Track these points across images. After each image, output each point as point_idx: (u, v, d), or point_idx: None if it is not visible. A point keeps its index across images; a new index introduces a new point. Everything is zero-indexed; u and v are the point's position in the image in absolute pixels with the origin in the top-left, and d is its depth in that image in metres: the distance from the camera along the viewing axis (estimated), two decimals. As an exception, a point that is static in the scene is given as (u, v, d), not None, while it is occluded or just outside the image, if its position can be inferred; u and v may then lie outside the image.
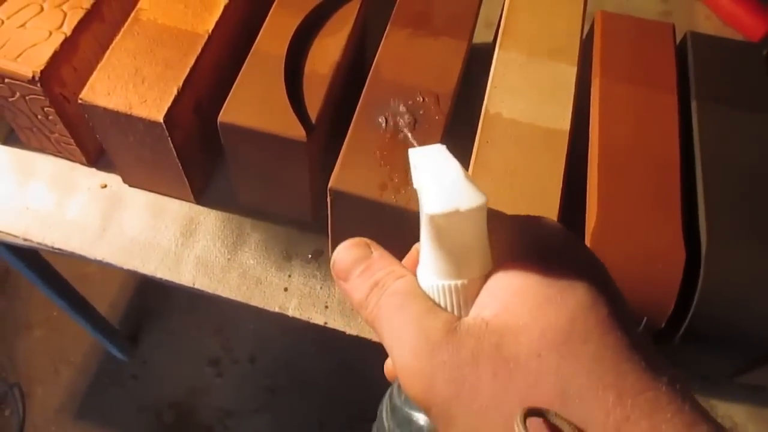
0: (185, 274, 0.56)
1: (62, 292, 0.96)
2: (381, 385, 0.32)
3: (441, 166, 0.26)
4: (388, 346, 0.26)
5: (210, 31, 0.53)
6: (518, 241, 0.26)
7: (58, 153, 0.60)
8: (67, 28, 0.52)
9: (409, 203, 0.46)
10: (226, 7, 0.54)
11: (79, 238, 0.57)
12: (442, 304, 0.26)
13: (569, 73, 0.53)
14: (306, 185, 0.53)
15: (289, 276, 0.56)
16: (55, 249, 0.57)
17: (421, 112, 0.50)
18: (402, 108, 0.50)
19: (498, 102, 0.51)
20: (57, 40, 0.52)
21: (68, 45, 0.52)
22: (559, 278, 0.24)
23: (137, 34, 0.52)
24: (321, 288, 0.56)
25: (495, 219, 0.26)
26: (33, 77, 0.50)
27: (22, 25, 0.52)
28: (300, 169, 0.51)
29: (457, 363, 0.23)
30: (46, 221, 0.58)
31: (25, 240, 0.58)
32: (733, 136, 0.51)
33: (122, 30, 0.53)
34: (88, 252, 0.57)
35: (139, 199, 0.60)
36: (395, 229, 0.49)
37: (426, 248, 0.26)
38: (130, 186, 0.60)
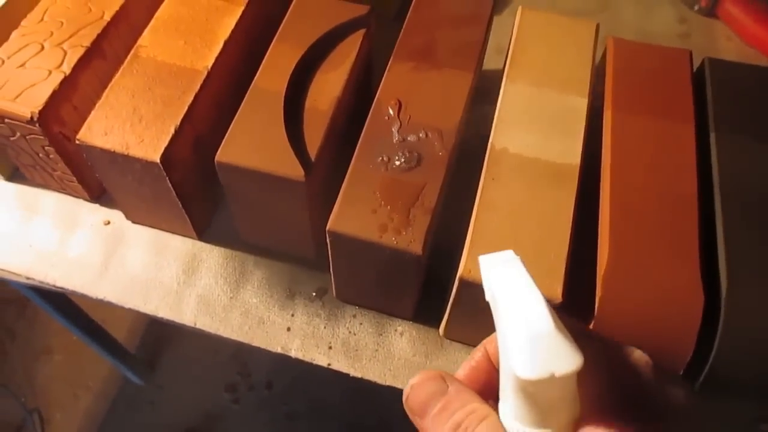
0: (187, 314, 0.55)
1: (78, 321, 0.96)
2: (399, 408, 0.30)
3: (525, 302, 0.24)
4: None
5: (209, 67, 0.52)
6: (608, 388, 0.25)
7: (61, 189, 0.60)
8: (67, 67, 0.52)
9: (409, 245, 0.44)
10: (226, 43, 0.53)
11: (81, 277, 0.57)
12: None
13: (580, 104, 0.51)
14: (307, 223, 0.52)
15: (292, 315, 0.55)
16: (57, 287, 0.57)
17: (424, 149, 0.48)
18: (404, 145, 0.48)
19: (504, 136, 0.49)
20: (56, 79, 0.51)
21: (67, 84, 0.52)
22: None
23: (136, 72, 0.52)
24: (324, 328, 0.54)
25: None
26: (31, 118, 0.50)
27: (22, 65, 0.52)
28: (300, 208, 0.50)
29: None
30: (49, 259, 0.57)
31: (28, 279, 0.57)
32: (755, 170, 0.48)
33: (122, 68, 0.52)
34: (90, 291, 0.56)
35: (142, 236, 0.59)
36: (397, 270, 0.47)
37: (511, 394, 0.24)
38: (133, 222, 0.59)
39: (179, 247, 0.58)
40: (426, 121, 0.49)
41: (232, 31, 0.54)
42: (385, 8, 0.69)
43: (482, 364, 0.29)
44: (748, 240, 0.46)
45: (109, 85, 0.51)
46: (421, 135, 0.49)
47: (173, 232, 0.58)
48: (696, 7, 0.74)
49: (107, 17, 0.55)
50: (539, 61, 0.53)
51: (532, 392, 0.23)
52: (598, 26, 0.55)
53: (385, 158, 0.48)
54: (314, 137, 0.49)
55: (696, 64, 0.69)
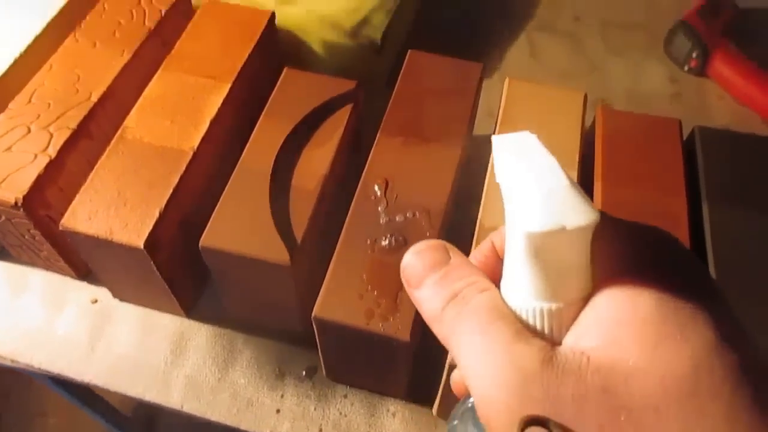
0: (174, 396, 0.54)
1: (72, 386, 0.94)
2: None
3: (537, 165, 0.22)
4: (465, 368, 0.22)
5: (195, 147, 0.52)
6: (626, 255, 0.22)
7: (48, 268, 0.59)
8: (53, 150, 0.52)
9: (397, 332, 0.43)
10: (212, 122, 0.53)
11: (67, 358, 0.56)
12: (533, 328, 0.22)
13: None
14: (294, 302, 0.51)
15: (282, 396, 0.53)
16: (43, 371, 0.56)
17: (411, 230, 0.47)
18: (390, 226, 0.47)
19: (493, 214, 0.49)
20: (42, 162, 0.51)
21: (53, 167, 0.51)
22: (678, 308, 0.20)
23: (122, 154, 0.51)
24: (315, 409, 0.53)
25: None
26: (16, 203, 0.49)
27: (8, 149, 0.52)
28: (286, 289, 0.49)
29: (554, 404, 0.19)
30: (35, 340, 0.56)
31: (13, 362, 0.56)
32: (749, 244, 0.47)
33: (108, 149, 0.52)
34: (76, 373, 0.55)
35: (130, 314, 0.58)
36: (386, 355, 0.46)
37: (515, 263, 0.22)
38: (121, 300, 0.58)
39: (167, 325, 0.57)
40: (413, 200, 0.49)
41: (219, 110, 0.54)
42: (376, 76, 0.69)
43: (489, 257, 0.27)
44: (743, 312, 0.44)
45: (95, 168, 0.51)
46: (408, 215, 0.48)
47: (161, 310, 0.57)
48: (686, 67, 0.74)
49: (94, 98, 0.55)
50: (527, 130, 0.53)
51: (541, 255, 0.21)
52: (585, 96, 0.55)
53: (371, 240, 0.47)
54: (300, 218, 0.49)
55: (688, 124, 0.69)
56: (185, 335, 0.57)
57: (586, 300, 0.22)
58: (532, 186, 0.21)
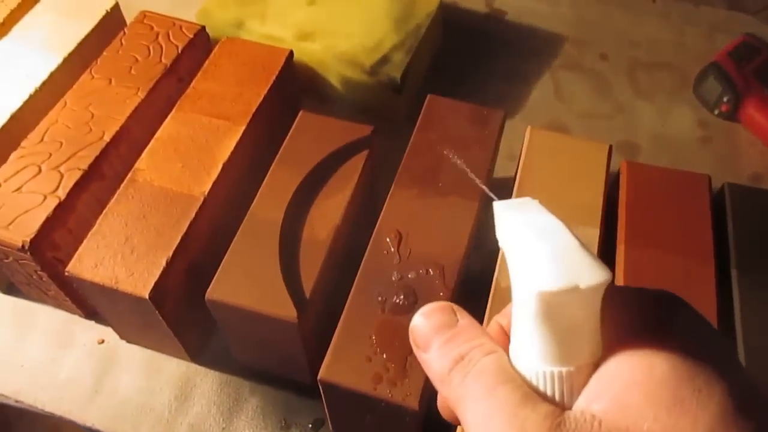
0: (177, 445, 0.52)
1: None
2: None
3: (544, 226, 0.22)
4: None
5: (206, 193, 0.51)
6: (637, 319, 0.22)
7: (57, 306, 0.58)
8: (62, 192, 0.51)
9: (406, 399, 0.41)
10: (224, 166, 0.52)
11: (71, 400, 0.55)
12: (542, 392, 0.21)
13: (591, 236, 0.48)
14: (302, 356, 0.49)
15: (286, 450, 0.52)
16: (46, 412, 0.55)
17: (424, 288, 0.46)
18: (402, 283, 0.46)
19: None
20: (51, 204, 0.50)
21: (62, 209, 0.51)
22: (694, 373, 0.19)
23: (132, 198, 0.51)
24: (320, 465, 0.51)
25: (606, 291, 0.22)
26: (23, 246, 0.48)
27: (18, 189, 0.51)
28: (294, 343, 0.48)
29: None
30: (39, 380, 0.56)
31: (17, 402, 0.55)
32: (781, 316, 0.45)
33: (117, 192, 0.51)
34: (78, 417, 0.54)
35: (136, 357, 0.57)
36: (393, 421, 0.44)
37: (523, 326, 0.22)
38: (128, 342, 0.57)
39: (173, 369, 0.56)
40: (427, 255, 0.47)
41: (232, 153, 0.53)
42: (396, 113, 0.68)
43: (497, 339, 0.26)
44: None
45: (104, 212, 0.50)
46: (421, 272, 0.46)
47: (167, 354, 0.56)
48: (716, 111, 0.71)
49: (107, 137, 0.54)
50: (547, 188, 0.51)
51: (552, 316, 0.20)
52: (611, 148, 0.53)
53: (382, 298, 0.45)
54: (310, 271, 0.47)
55: (717, 171, 0.66)
56: (191, 381, 0.55)
57: (596, 364, 0.21)
58: (540, 246, 0.21)
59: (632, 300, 0.23)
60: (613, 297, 0.22)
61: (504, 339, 0.26)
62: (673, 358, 0.20)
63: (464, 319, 0.25)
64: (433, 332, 0.24)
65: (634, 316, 0.22)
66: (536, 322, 0.21)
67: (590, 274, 0.20)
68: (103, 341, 0.58)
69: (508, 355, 0.23)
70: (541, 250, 0.21)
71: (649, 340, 0.20)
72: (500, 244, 0.23)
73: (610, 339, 0.21)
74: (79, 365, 0.56)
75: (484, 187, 0.29)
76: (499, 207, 0.24)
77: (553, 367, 0.21)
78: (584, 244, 0.21)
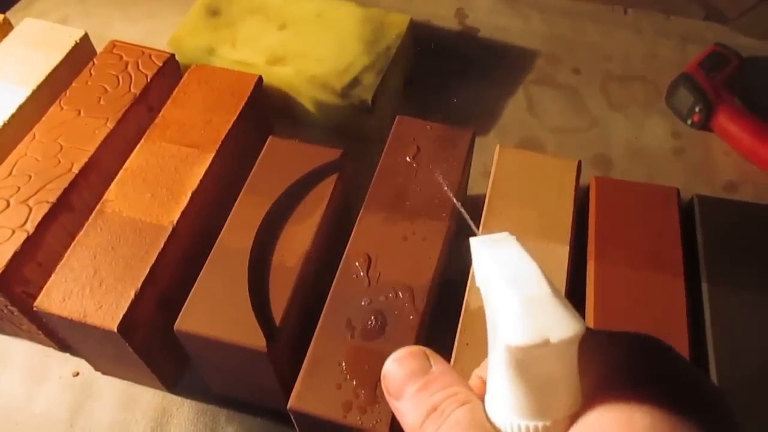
0: (153, 478, 0.52)
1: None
2: None
3: (518, 271, 0.21)
4: None
5: (175, 222, 0.50)
6: (616, 368, 0.21)
7: (31, 339, 0.58)
8: (31, 226, 0.51)
9: (375, 426, 0.41)
10: (193, 194, 0.52)
11: (46, 436, 0.54)
12: None
13: (561, 253, 0.48)
14: (275, 384, 0.49)
15: (264, 479, 0.51)
16: (20, 449, 0.54)
17: (393, 311, 0.46)
18: (371, 308, 0.45)
19: (480, 294, 0.46)
20: (19, 239, 0.50)
21: (31, 243, 0.50)
22: (676, 426, 0.18)
23: (100, 230, 0.50)
24: (298, 494, 0.51)
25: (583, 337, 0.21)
26: (-10, 282, 0.48)
27: (-14, 224, 0.51)
28: (266, 372, 0.47)
29: None
30: (14, 416, 0.55)
31: (-9, 438, 0.55)
32: (753, 329, 0.45)
33: (86, 224, 0.51)
34: (53, 453, 0.53)
35: (111, 388, 0.56)
36: (365, 448, 0.43)
37: (498, 377, 0.21)
38: (103, 373, 0.57)
39: (149, 400, 0.55)
40: (396, 278, 0.47)
41: (201, 182, 0.53)
42: (369, 134, 0.68)
43: (479, 390, 0.25)
44: (746, 409, 0.42)
45: (72, 245, 0.50)
46: (390, 295, 0.46)
47: (143, 384, 0.56)
48: (689, 121, 0.72)
49: (75, 169, 0.54)
50: (517, 207, 0.51)
51: (525, 370, 0.20)
52: (579, 164, 0.53)
53: (352, 323, 0.45)
54: (280, 299, 0.47)
55: (691, 181, 0.66)
56: (167, 411, 0.55)
57: (574, 417, 0.20)
58: (511, 295, 0.20)
59: (608, 348, 0.22)
60: (588, 345, 0.21)
61: (483, 392, 0.26)
62: (654, 411, 0.19)
63: (438, 364, 0.24)
64: (406, 379, 0.24)
65: (610, 364, 0.21)
66: (510, 374, 0.20)
67: (562, 326, 0.19)
68: (77, 374, 0.57)
69: (483, 405, 0.22)
70: (512, 300, 0.20)
71: (629, 392, 0.20)
72: (476, 284, 0.23)
73: (588, 389, 0.21)
74: (54, 399, 0.56)
75: (467, 217, 0.29)
76: (476, 244, 0.23)
77: (528, 420, 0.20)
78: (557, 292, 0.20)
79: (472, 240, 0.24)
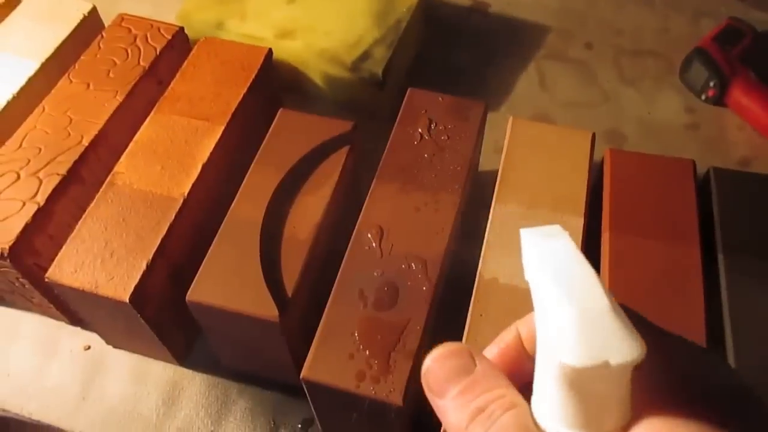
0: (165, 450, 0.52)
1: None
2: None
3: (574, 277, 0.20)
4: None
5: (186, 194, 0.50)
6: (667, 382, 0.21)
7: (42, 313, 0.58)
8: (41, 198, 0.50)
9: (389, 395, 0.41)
10: (204, 166, 0.52)
11: (58, 408, 0.54)
12: None
13: (575, 225, 0.48)
14: (287, 355, 0.49)
15: (276, 451, 0.51)
16: (33, 420, 0.54)
17: (406, 282, 0.45)
18: (384, 279, 0.45)
19: (494, 265, 0.46)
20: (30, 210, 0.50)
21: (41, 215, 0.50)
22: None
23: (111, 202, 0.50)
24: (310, 465, 0.51)
25: None
26: (2, 254, 0.48)
27: (-4, 197, 0.51)
28: (277, 343, 0.47)
29: None
30: (26, 389, 0.55)
31: (4, 411, 0.55)
32: (766, 298, 0.44)
33: (96, 197, 0.50)
34: (66, 425, 0.53)
35: (122, 362, 0.56)
36: (379, 419, 0.43)
37: (547, 386, 0.20)
38: (114, 347, 0.57)
39: (160, 374, 0.55)
40: (409, 250, 0.47)
41: (211, 153, 0.52)
42: (379, 109, 0.67)
43: (513, 350, 0.25)
44: (764, 379, 0.41)
45: (83, 217, 0.49)
46: (403, 266, 0.46)
47: (154, 358, 0.56)
48: (703, 97, 0.71)
49: (85, 142, 0.54)
50: (531, 179, 0.50)
51: (578, 386, 0.19)
52: (593, 136, 0.53)
53: (364, 294, 0.45)
54: (292, 270, 0.47)
55: (705, 157, 0.65)
56: (178, 384, 0.55)
57: (625, 429, 0.20)
58: (570, 307, 0.19)
59: (663, 359, 0.21)
60: (657, 357, 0.20)
61: (520, 350, 0.25)
62: (702, 426, 0.19)
63: (482, 363, 0.23)
64: (449, 378, 0.23)
65: (664, 378, 0.21)
66: (559, 387, 0.20)
67: (622, 348, 0.18)
68: (89, 347, 0.57)
69: (529, 406, 0.22)
70: (570, 314, 0.19)
71: (678, 407, 0.19)
72: (526, 277, 0.22)
73: (638, 402, 0.20)
74: (66, 372, 0.56)
75: None
76: (526, 236, 0.23)
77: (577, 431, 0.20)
78: (616, 306, 0.19)
79: (523, 232, 0.23)
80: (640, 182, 0.50)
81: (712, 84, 0.69)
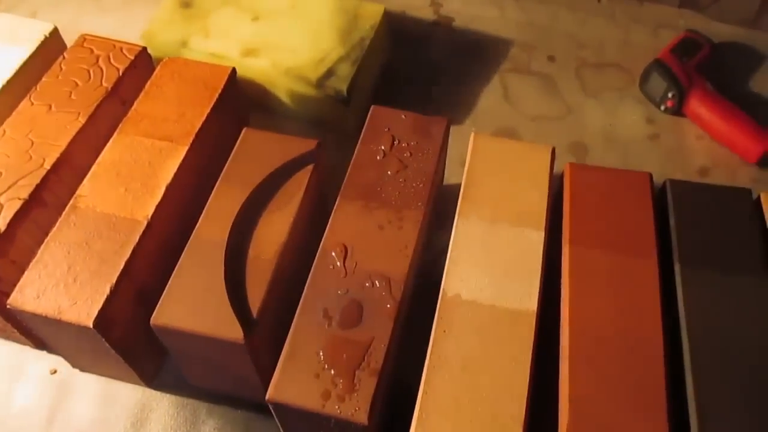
0: (133, 473, 0.52)
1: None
2: None
3: None
4: None
5: (149, 216, 0.50)
6: None
7: (6, 338, 0.57)
8: (2, 223, 0.50)
9: (354, 414, 0.41)
10: (168, 187, 0.52)
11: (24, 435, 0.54)
12: None
13: (536, 239, 0.49)
14: (254, 376, 0.49)
15: (246, 471, 0.51)
16: (-2, 448, 0.54)
17: (371, 300, 0.46)
18: (348, 297, 0.46)
19: (457, 281, 0.47)
20: (-9, 236, 0.49)
21: (3, 240, 0.50)
22: None
23: (74, 225, 0.50)
24: (280, 484, 0.51)
25: None
26: (-38, 280, 0.48)
27: (-43, 222, 0.50)
28: (245, 363, 0.47)
29: None
30: (-9, 415, 0.54)
31: (-33, 439, 0.54)
32: (725, 309, 0.45)
33: (59, 220, 0.50)
34: (32, 451, 0.53)
35: (89, 385, 0.56)
36: (345, 437, 0.44)
37: None
38: (81, 370, 0.56)
39: (128, 396, 0.55)
40: (373, 267, 0.47)
41: (175, 174, 0.52)
42: (345, 125, 0.68)
43: None
44: (722, 392, 0.42)
45: (45, 241, 0.49)
46: (367, 284, 0.46)
47: (122, 380, 0.55)
48: (663, 107, 0.72)
49: (47, 165, 0.53)
50: (493, 193, 0.51)
51: None
52: (553, 150, 0.54)
53: (329, 313, 0.45)
54: (257, 290, 0.47)
55: (666, 166, 0.67)
56: (147, 406, 0.55)
57: None
58: None
59: None
60: None
61: None
62: None
63: None
64: None
65: None
66: None
67: None
68: (55, 371, 0.57)
69: None
70: None
71: None
72: None
73: None
74: (32, 397, 0.55)
75: None
76: None
77: None
78: None
79: None
80: (599, 196, 0.51)
81: (670, 95, 0.71)
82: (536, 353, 0.44)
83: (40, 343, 0.57)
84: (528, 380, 0.42)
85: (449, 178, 0.65)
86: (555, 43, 0.79)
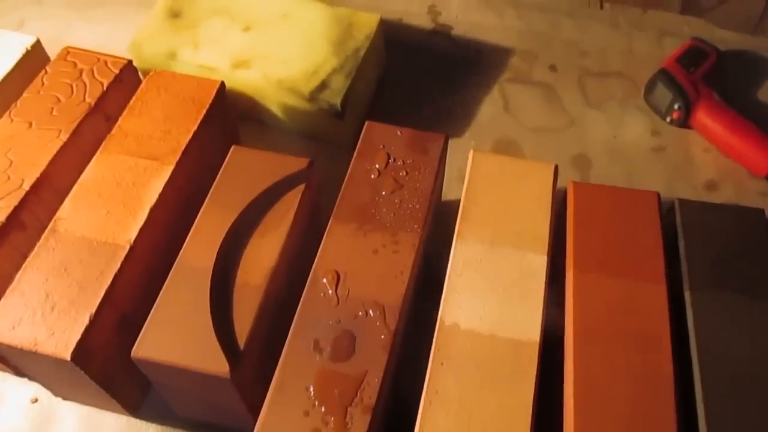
0: None
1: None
2: None
3: None
4: None
5: (132, 240, 0.48)
6: None
7: (-15, 365, 0.55)
8: (-22, 248, 0.48)
9: (347, 455, 0.39)
10: (152, 209, 0.49)
11: (3, 467, 0.51)
12: None
13: (538, 263, 0.46)
14: (242, 408, 0.46)
15: (234, 507, 0.49)
16: (-24, 482, 0.51)
17: (364, 331, 0.43)
18: (340, 327, 0.43)
19: (455, 309, 0.44)
20: (-35, 262, 0.47)
21: (-22, 266, 0.47)
22: None
23: (52, 250, 0.47)
24: None
25: None
26: (-66, 310, 0.45)
27: (-70, 248, 0.48)
28: (231, 397, 0.45)
29: None
30: (-31, 447, 0.52)
31: (-56, 472, 0.52)
32: (737, 336, 0.43)
33: (37, 245, 0.48)
34: (11, 485, 0.51)
35: (72, 414, 0.53)
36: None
37: None
38: (63, 399, 0.54)
39: (112, 426, 0.53)
40: (366, 295, 0.45)
41: (160, 195, 0.50)
42: (340, 139, 0.65)
43: None
44: (733, 422, 0.40)
45: (22, 267, 0.47)
46: (360, 313, 0.44)
47: (105, 409, 0.53)
48: (668, 119, 0.70)
49: (26, 186, 0.51)
50: (493, 215, 0.49)
51: None
52: (556, 168, 0.51)
53: (320, 344, 0.43)
54: (244, 319, 0.44)
55: (672, 180, 0.64)
56: (131, 437, 0.52)
57: None
58: None
59: None
60: None
61: None
62: None
63: None
64: None
65: None
66: None
67: None
68: (36, 400, 0.54)
69: None
70: None
71: None
72: None
73: None
74: (13, 427, 0.53)
75: None
76: None
77: None
78: None
79: None
80: (604, 217, 0.49)
81: (676, 106, 0.69)
82: (539, 388, 0.41)
83: (20, 371, 0.54)
84: (530, 418, 0.40)
85: (446, 194, 0.63)
86: (556, 51, 0.77)
